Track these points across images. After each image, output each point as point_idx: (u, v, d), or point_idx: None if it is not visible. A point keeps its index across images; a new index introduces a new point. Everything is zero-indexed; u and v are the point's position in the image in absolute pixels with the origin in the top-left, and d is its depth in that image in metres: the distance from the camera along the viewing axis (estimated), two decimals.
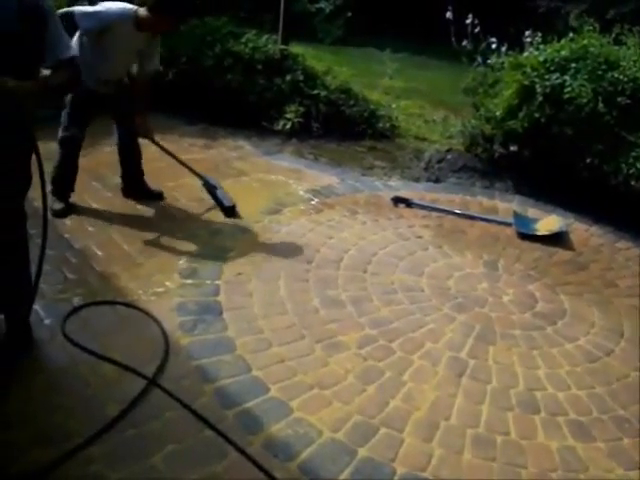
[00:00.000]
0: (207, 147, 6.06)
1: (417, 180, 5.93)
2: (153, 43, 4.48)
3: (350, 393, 3.04)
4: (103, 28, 4.15)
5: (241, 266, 4.02)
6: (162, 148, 4.93)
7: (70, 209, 4.58)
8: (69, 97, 4.41)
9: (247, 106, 6.86)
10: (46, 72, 2.68)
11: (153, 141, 4.86)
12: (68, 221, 4.44)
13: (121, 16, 4.18)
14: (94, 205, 4.75)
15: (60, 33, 2.70)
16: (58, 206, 4.54)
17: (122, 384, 2.94)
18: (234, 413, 2.83)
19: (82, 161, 5.43)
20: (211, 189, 4.92)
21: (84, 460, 2.52)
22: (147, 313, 3.46)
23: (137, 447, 2.60)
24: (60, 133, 4.54)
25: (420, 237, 4.71)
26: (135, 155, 4.86)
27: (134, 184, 4.91)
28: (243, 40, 7.27)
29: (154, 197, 4.91)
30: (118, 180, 4.97)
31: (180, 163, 4.99)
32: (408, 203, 5.24)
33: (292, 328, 3.47)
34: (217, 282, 3.82)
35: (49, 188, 3.87)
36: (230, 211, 4.78)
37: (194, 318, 3.46)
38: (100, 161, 5.41)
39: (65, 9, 4.12)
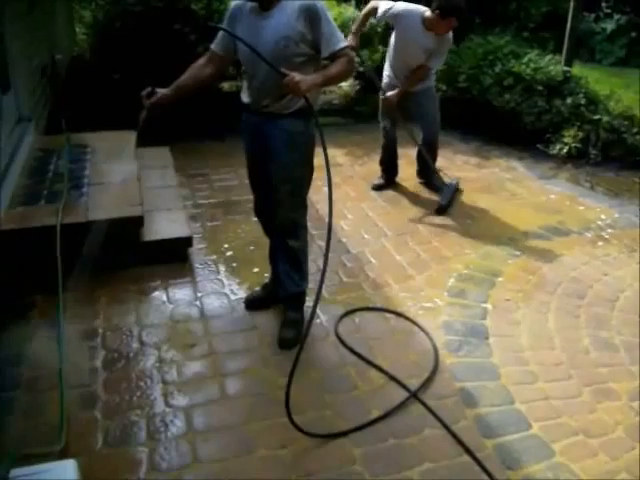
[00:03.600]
0: (480, 166, 6.00)
1: None
2: (442, 44, 4.93)
3: (618, 447, 2.80)
4: (393, 20, 4.92)
5: (509, 292, 3.92)
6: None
7: (385, 186, 5.48)
8: (380, 94, 5.28)
9: (523, 127, 6.68)
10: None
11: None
12: (346, 226, 4.69)
13: (409, 14, 4.85)
14: (370, 213, 4.96)
15: (332, 27, 2.97)
16: (377, 182, 5.52)
17: (387, 392, 3.01)
18: (493, 444, 2.75)
19: (359, 169, 5.72)
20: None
21: (347, 459, 2.63)
22: (421, 328, 3.51)
23: (396, 457, 2.65)
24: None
25: None
26: (432, 151, 5.36)
27: (426, 176, 5.49)
28: (524, 60, 7.08)
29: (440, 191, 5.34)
30: (394, 192, 5.15)
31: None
32: None
33: (560, 366, 3.29)
34: (484, 305, 3.76)
35: None
36: (439, 209, 5.01)
37: (460, 339, 3.44)
38: (376, 171, 5.62)
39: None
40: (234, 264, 4.12)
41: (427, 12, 4.79)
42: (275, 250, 3.49)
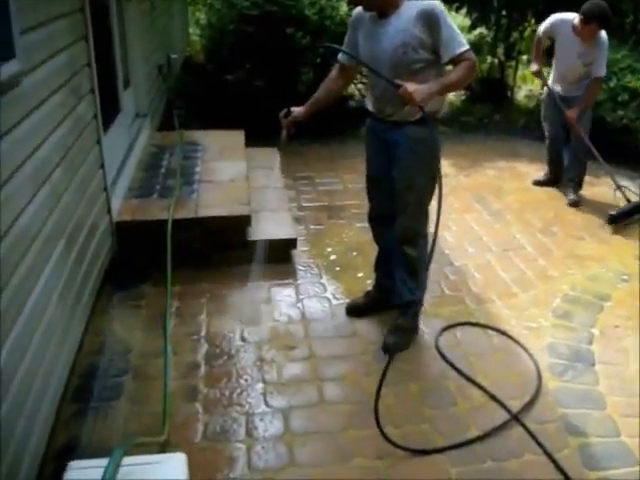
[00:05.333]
0: (589, 184, 5.77)
1: None
2: (596, 49, 5.04)
3: None
4: (551, 33, 5.28)
5: (618, 318, 3.74)
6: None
7: (544, 184, 5.73)
8: (543, 96, 5.69)
9: (636, 146, 6.39)
10: None
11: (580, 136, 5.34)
12: (449, 238, 4.62)
13: (561, 22, 5.17)
14: (474, 226, 4.87)
15: (451, 31, 2.88)
16: (538, 177, 5.82)
17: (486, 412, 2.93)
18: (597, 477, 2.61)
19: (464, 180, 5.64)
20: None
21: (444, 477, 2.56)
22: (524, 348, 3.41)
23: None
24: None
25: None
26: (582, 159, 5.46)
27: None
28: None
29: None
30: (499, 205, 5.05)
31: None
32: None
33: None
34: (591, 330, 3.61)
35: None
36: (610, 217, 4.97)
37: (564, 363, 3.31)
38: (481, 183, 5.54)
39: None
40: (337, 268, 4.14)
41: (576, 18, 4.99)
42: (384, 258, 3.50)
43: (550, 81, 5.49)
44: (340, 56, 3.26)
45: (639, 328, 3.63)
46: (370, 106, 3.23)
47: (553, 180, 5.77)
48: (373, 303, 3.60)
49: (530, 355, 3.34)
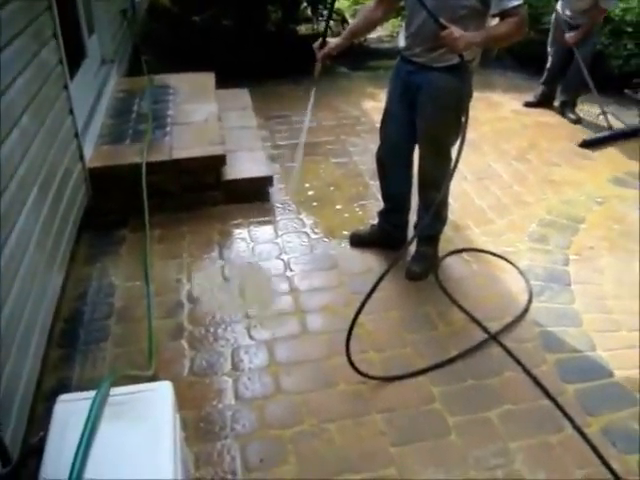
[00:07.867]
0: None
1: None
2: None
3: None
4: None
5: (593, 240, 3.81)
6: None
7: (535, 105, 6.01)
8: (552, 21, 5.70)
9: (609, 71, 6.37)
10: None
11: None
12: None
13: None
14: None
15: None
16: (530, 99, 6.08)
17: (467, 334, 3.01)
18: (574, 389, 2.71)
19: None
20: None
21: (427, 397, 2.66)
22: (520, 271, 3.48)
23: (475, 398, 2.66)
24: None
25: None
26: (577, 83, 5.68)
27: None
28: None
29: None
30: (474, 135, 5.04)
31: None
32: None
33: None
34: (566, 252, 3.68)
35: None
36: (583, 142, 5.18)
37: (541, 284, 3.38)
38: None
39: None
40: (314, 204, 4.15)
41: None
42: (390, 198, 3.52)
43: (559, 6, 5.58)
44: None
45: (613, 248, 3.72)
46: (402, 42, 3.07)
47: (544, 101, 6.00)
48: (374, 239, 3.62)
49: (525, 277, 3.42)
